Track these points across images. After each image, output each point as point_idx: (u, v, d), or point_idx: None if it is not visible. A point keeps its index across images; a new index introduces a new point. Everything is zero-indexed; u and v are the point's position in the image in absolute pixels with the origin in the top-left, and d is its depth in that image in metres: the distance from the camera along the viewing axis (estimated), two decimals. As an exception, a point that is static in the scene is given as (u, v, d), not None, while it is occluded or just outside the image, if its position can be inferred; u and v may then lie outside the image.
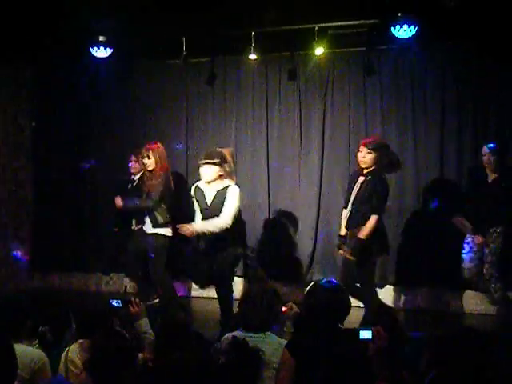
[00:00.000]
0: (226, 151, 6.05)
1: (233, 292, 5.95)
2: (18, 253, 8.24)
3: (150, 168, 6.66)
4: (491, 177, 6.21)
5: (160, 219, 6.62)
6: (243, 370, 2.94)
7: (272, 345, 3.55)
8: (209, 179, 5.95)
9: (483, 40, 6.59)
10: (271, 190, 7.71)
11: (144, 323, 4.14)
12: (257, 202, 7.68)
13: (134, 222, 6.97)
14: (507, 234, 6.13)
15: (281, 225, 7.66)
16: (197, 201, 6.09)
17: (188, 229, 5.86)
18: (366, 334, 3.07)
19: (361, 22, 6.75)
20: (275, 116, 7.68)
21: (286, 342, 3.63)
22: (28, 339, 3.81)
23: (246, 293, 3.88)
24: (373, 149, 5.87)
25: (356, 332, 3.12)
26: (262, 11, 6.68)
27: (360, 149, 5.96)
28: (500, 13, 6.22)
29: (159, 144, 6.78)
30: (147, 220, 6.73)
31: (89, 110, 8.22)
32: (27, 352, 3.55)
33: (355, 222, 5.91)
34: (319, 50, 6.97)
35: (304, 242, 7.57)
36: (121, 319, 4.10)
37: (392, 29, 6.32)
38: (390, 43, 6.80)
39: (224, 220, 5.84)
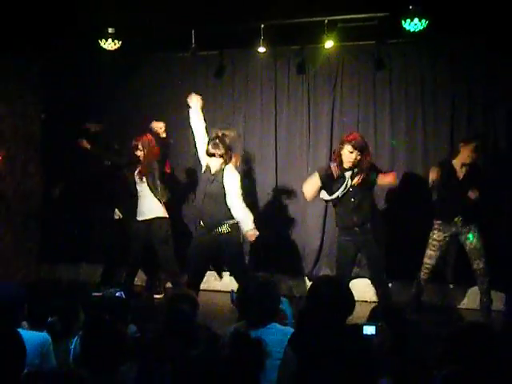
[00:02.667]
0: (231, 133, 6.17)
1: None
2: None
3: (142, 159, 6.99)
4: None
5: (161, 197, 6.95)
6: (246, 362, 2.94)
7: (275, 335, 3.54)
8: (215, 171, 6.10)
9: (494, 33, 6.55)
10: (279, 184, 7.70)
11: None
12: (265, 195, 7.68)
13: (117, 211, 7.39)
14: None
15: (288, 218, 7.66)
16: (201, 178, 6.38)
17: (253, 236, 6.08)
18: (370, 330, 3.06)
19: (371, 15, 6.72)
20: (284, 109, 7.67)
21: (289, 329, 3.64)
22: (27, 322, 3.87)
23: (244, 287, 3.87)
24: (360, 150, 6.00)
25: (360, 327, 3.11)
26: (272, 4, 6.66)
27: (350, 149, 5.97)
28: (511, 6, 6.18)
29: (148, 134, 7.01)
30: (143, 207, 6.96)
31: (98, 103, 8.22)
32: (33, 336, 3.58)
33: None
34: (329, 44, 6.95)
35: (312, 236, 7.57)
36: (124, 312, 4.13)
37: (402, 22, 6.29)
38: (401, 37, 6.76)
39: (237, 201, 6.06)
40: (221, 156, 6.04)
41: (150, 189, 6.95)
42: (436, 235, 6.39)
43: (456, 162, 6.35)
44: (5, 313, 3.70)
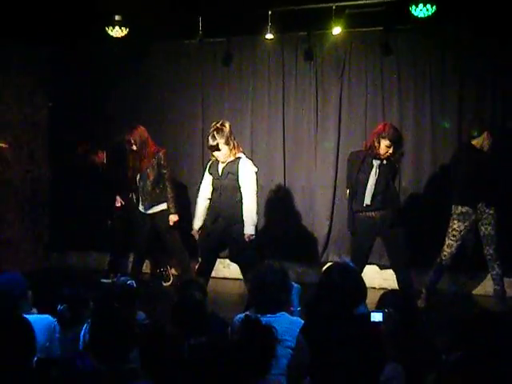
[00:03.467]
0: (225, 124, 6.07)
1: None
2: None
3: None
4: None
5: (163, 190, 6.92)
6: (257, 348, 2.95)
7: (284, 323, 3.56)
8: (224, 159, 6.03)
9: (502, 19, 6.50)
10: (287, 171, 7.70)
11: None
12: (273, 183, 7.68)
13: (118, 197, 7.50)
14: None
15: (297, 206, 7.66)
16: (210, 174, 6.20)
17: (249, 238, 5.99)
18: (377, 317, 3.07)
19: (379, 0, 6.68)
20: (291, 96, 7.65)
21: (297, 319, 3.65)
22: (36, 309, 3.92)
23: (256, 274, 3.88)
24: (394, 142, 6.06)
25: (367, 314, 3.12)
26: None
27: (387, 144, 6.03)
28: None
29: (139, 127, 6.94)
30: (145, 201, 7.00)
31: (105, 90, 8.23)
32: (38, 319, 3.61)
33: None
34: (336, 30, 6.91)
35: (320, 223, 7.57)
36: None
37: (410, 8, 6.25)
38: (408, 22, 6.71)
39: (250, 201, 5.97)
40: (226, 144, 5.95)
41: (152, 182, 6.90)
42: (456, 225, 6.33)
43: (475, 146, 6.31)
44: (8, 301, 3.74)
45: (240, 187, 5.98)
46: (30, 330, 2.94)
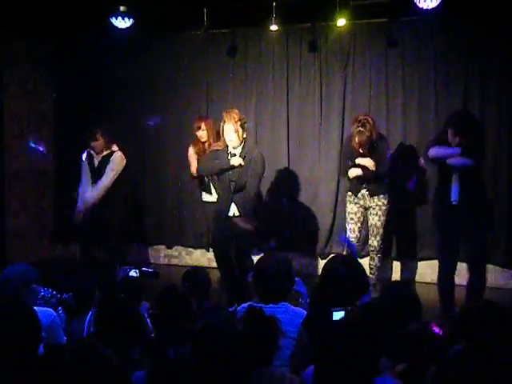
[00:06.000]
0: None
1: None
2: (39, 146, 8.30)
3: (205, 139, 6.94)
4: None
5: None
6: (260, 339, 2.97)
7: (288, 314, 3.57)
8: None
9: (507, 9, 6.48)
10: (291, 163, 7.71)
11: None
12: (277, 175, 7.69)
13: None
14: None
15: (300, 197, 7.68)
16: None
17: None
18: (338, 315, 3.07)
19: (383, -8, 6.69)
20: (296, 87, 7.65)
21: (301, 310, 3.68)
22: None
23: (260, 263, 3.89)
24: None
25: (372, 305, 3.13)
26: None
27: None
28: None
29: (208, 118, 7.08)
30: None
31: (110, 81, 8.24)
32: (41, 312, 3.65)
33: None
34: (341, 21, 6.91)
35: (323, 216, 7.58)
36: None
37: (415, 0, 6.24)
38: (413, 14, 6.70)
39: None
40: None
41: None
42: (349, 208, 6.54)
43: None
44: (8, 290, 3.79)
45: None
46: (34, 317, 2.97)
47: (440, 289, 5.83)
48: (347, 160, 6.43)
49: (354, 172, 6.32)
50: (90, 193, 6.62)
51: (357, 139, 6.20)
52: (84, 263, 6.82)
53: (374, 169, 6.24)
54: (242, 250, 6.05)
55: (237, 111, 5.99)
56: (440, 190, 5.82)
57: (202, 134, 6.95)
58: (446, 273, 5.76)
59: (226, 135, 5.94)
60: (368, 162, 6.23)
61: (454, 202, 5.58)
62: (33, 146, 7.63)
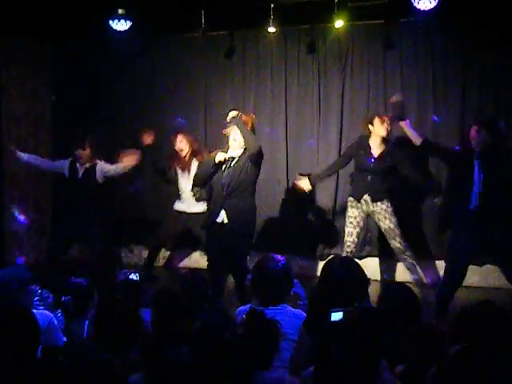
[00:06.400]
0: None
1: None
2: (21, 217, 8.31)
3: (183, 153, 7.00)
4: None
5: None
6: (261, 341, 2.97)
7: (287, 316, 3.58)
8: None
9: (505, 11, 6.49)
10: (290, 165, 7.71)
11: None
12: (275, 177, 7.70)
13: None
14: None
15: (299, 198, 7.67)
16: None
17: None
18: (337, 316, 3.07)
19: (381, -7, 6.69)
20: (294, 89, 7.66)
21: (300, 312, 3.68)
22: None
23: (259, 265, 3.89)
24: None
25: (371, 308, 3.13)
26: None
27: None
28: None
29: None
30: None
31: (108, 83, 8.24)
32: (38, 315, 3.65)
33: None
34: (339, 23, 6.92)
35: (323, 218, 7.58)
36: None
37: (412, 1, 6.24)
38: (411, 16, 6.71)
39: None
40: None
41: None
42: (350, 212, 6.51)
43: None
44: (5, 293, 3.79)
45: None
46: (32, 320, 2.97)
47: (439, 292, 5.75)
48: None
49: None
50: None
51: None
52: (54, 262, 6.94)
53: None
54: (238, 253, 5.79)
55: (254, 116, 5.93)
56: (459, 193, 5.69)
57: (181, 145, 6.96)
58: (453, 278, 5.67)
59: (231, 135, 5.74)
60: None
61: (473, 207, 5.46)
62: None
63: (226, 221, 5.71)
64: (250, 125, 5.77)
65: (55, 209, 8.67)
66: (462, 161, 5.64)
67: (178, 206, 7.09)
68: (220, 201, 5.73)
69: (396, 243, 6.33)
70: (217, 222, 5.75)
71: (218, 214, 5.73)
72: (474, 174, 5.45)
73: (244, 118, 5.75)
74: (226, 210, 5.69)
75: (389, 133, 6.33)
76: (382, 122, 6.29)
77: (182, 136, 6.97)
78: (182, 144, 6.96)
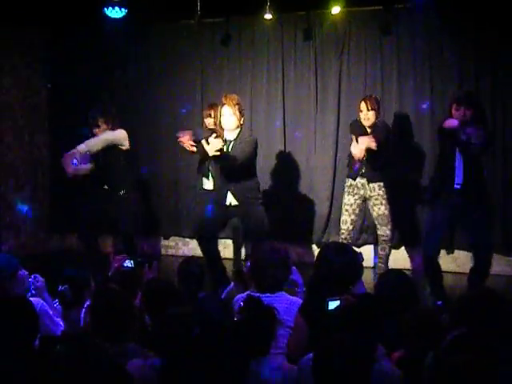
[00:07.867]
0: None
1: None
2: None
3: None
4: None
5: None
6: (258, 328, 2.97)
7: (284, 303, 3.58)
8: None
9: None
10: (287, 152, 7.70)
11: None
12: (272, 164, 7.68)
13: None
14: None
15: (296, 186, 7.67)
16: None
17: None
18: (333, 304, 3.07)
19: (378, -21, 6.66)
20: (291, 76, 7.63)
21: (297, 299, 3.68)
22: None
23: (256, 253, 3.89)
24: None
25: (367, 293, 3.13)
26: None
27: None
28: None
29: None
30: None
31: (103, 71, 8.20)
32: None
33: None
34: (335, 9, 6.90)
35: (320, 204, 7.58)
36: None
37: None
38: (407, 2, 6.69)
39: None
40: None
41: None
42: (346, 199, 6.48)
43: None
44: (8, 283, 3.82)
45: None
46: (30, 309, 2.97)
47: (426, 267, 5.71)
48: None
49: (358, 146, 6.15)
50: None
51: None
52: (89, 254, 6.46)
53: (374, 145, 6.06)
54: (257, 235, 5.77)
55: (236, 96, 5.81)
56: (441, 172, 5.67)
57: (210, 122, 6.67)
58: (431, 250, 5.66)
59: (222, 118, 5.69)
60: (368, 140, 6.06)
61: (457, 186, 5.45)
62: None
63: (234, 202, 5.75)
64: (237, 106, 5.66)
65: (53, 198, 8.65)
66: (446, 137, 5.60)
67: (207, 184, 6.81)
68: (224, 184, 5.79)
69: (387, 230, 6.32)
70: (226, 205, 5.78)
71: (225, 197, 5.77)
72: (455, 151, 5.46)
73: (227, 100, 5.66)
74: (231, 192, 5.73)
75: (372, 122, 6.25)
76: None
77: (215, 112, 6.45)
78: (212, 121, 6.62)
